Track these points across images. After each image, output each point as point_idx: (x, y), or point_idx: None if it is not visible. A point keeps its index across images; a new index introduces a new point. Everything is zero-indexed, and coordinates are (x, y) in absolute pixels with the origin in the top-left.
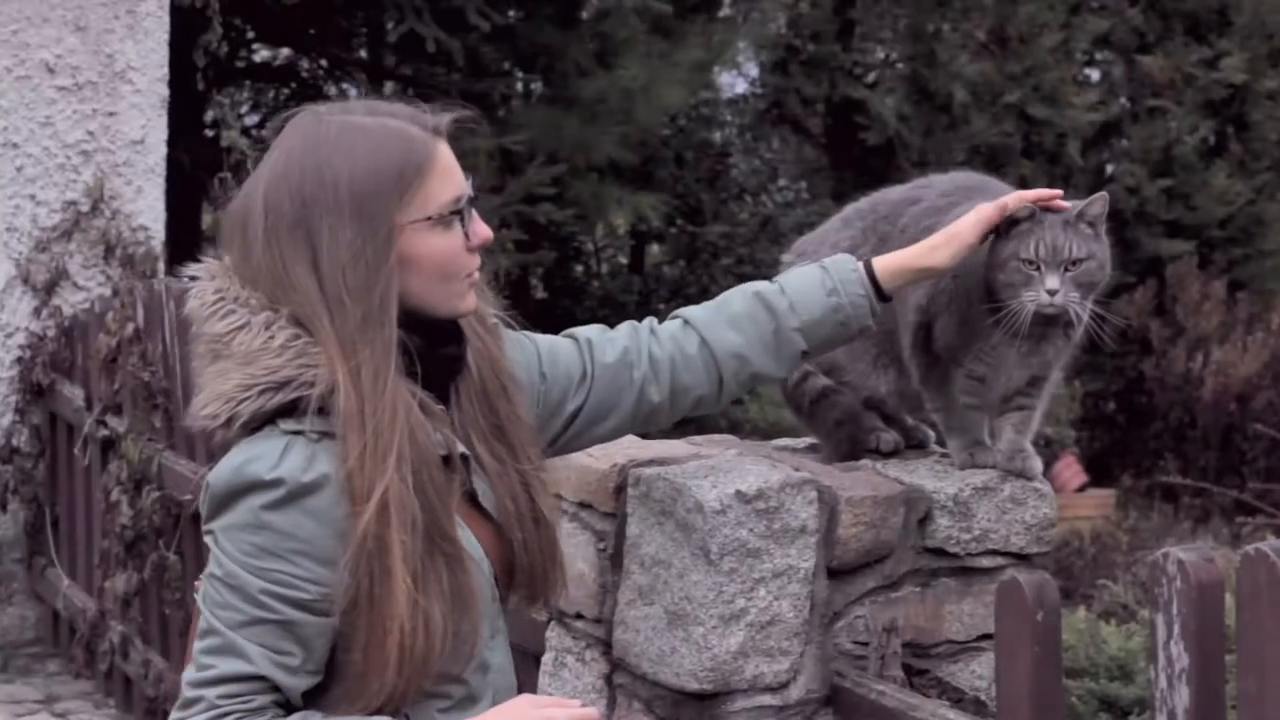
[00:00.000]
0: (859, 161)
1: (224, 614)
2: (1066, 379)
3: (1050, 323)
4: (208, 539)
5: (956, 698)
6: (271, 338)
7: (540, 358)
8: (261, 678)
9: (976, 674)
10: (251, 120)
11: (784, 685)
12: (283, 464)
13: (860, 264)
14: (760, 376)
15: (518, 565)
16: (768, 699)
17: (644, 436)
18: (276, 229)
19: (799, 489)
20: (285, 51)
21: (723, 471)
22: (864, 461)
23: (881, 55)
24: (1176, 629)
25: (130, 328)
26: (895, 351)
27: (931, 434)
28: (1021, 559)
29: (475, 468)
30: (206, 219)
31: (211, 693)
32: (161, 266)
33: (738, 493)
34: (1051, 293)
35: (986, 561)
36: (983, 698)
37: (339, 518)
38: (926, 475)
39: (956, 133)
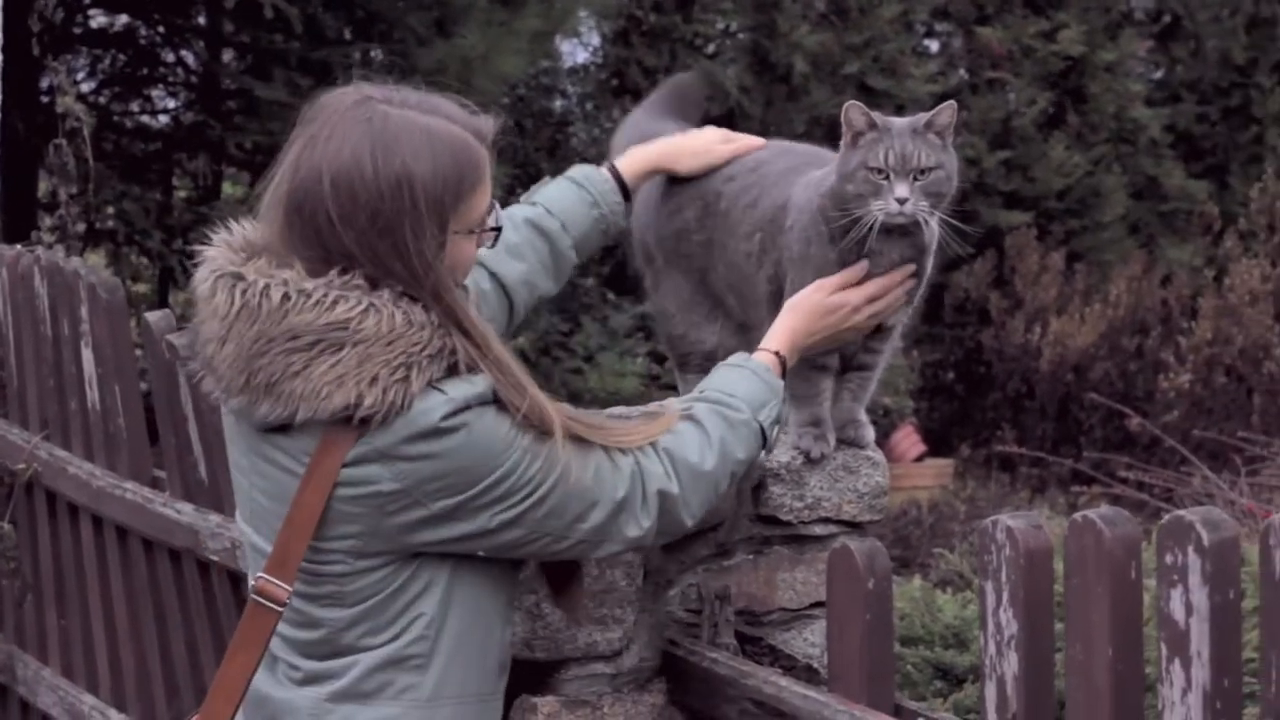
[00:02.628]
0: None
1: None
2: (905, 349)
3: (906, 243)
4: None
5: (789, 665)
6: (405, 314)
7: None
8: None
9: (809, 642)
10: (88, 87)
11: (617, 654)
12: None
13: (608, 172)
14: (543, 297)
15: None
16: (601, 667)
17: None
18: (353, 219)
19: None
20: (123, 18)
21: None
22: None
23: (722, 26)
24: (1005, 596)
25: None
26: (724, 306)
27: None
28: (854, 527)
29: None
30: (42, 186)
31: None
32: None
33: None
34: (901, 201)
35: (819, 529)
36: (815, 665)
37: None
38: None
39: (797, 104)
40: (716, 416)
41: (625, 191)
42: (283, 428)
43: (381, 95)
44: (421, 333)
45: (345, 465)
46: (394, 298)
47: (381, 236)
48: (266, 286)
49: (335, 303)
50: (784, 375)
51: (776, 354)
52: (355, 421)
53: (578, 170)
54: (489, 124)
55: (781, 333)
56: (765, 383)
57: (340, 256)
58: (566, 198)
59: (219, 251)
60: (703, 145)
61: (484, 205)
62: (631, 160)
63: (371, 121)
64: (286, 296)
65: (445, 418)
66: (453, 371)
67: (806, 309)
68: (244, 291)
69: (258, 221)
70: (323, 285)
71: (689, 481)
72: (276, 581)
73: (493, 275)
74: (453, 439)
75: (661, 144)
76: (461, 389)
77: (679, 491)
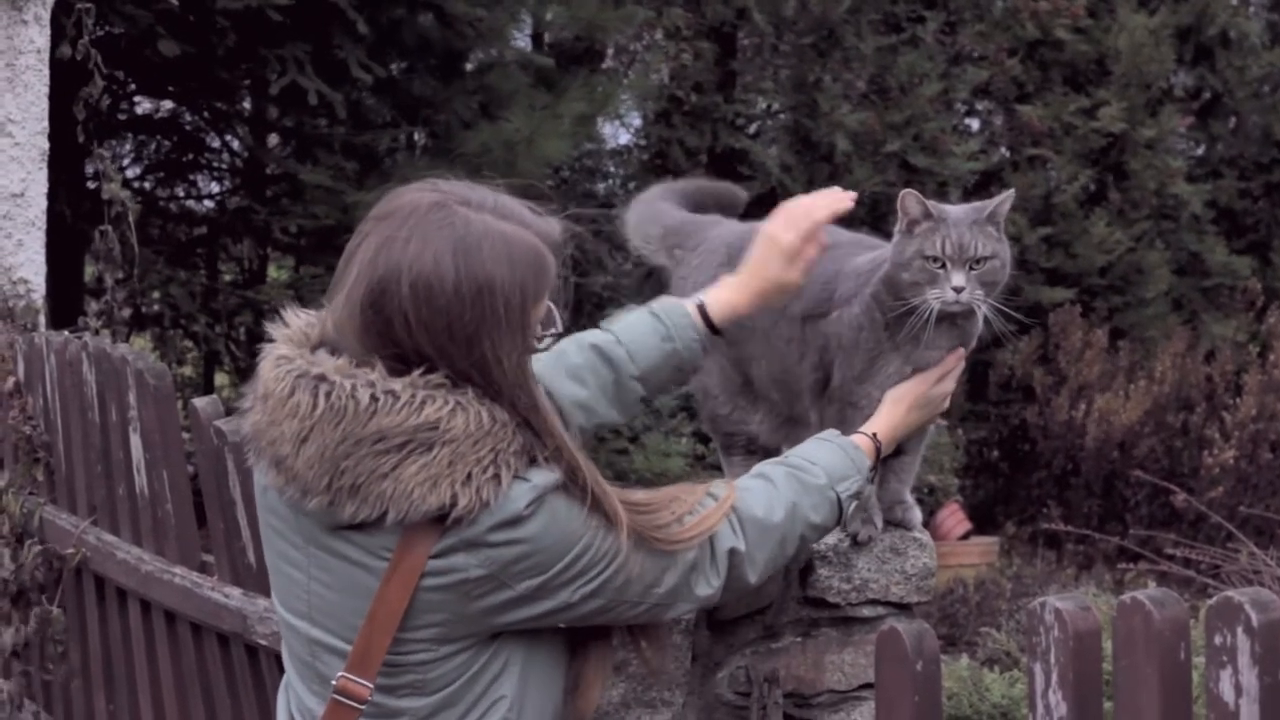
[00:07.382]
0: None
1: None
2: (950, 427)
3: (956, 332)
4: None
5: None
6: (490, 412)
7: None
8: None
9: None
10: (133, 172)
11: None
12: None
13: (693, 307)
14: (605, 424)
15: None
16: None
17: None
18: (430, 325)
19: None
20: (167, 104)
21: None
22: None
23: (763, 105)
24: (1054, 677)
25: (11, 381)
26: (769, 401)
27: None
28: (902, 608)
29: None
30: (88, 271)
31: None
32: (43, 320)
33: None
34: (958, 290)
35: (867, 611)
36: None
37: None
38: None
39: (839, 182)
40: (791, 478)
41: (712, 325)
42: (358, 524)
43: (459, 197)
44: (506, 429)
45: (431, 557)
46: (478, 395)
47: (459, 346)
48: (353, 388)
49: (423, 403)
50: (877, 459)
51: (873, 437)
52: (449, 521)
53: (659, 302)
54: (557, 229)
55: (884, 420)
56: (850, 458)
57: (417, 358)
58: (639, 328)
59: (288, 348)
60: (795, 281)
61: (543, 310)
62: (726, 294)
63: (453, 226)
64: (374, 398)
65: (529, 505)
66: (533, 462)
67: (910, 400)
68: (329, 393)
69: (328, 315)
70: (409, 385)
71: (755, 536)
72: (359, 680)
73: (546, 394)
74: (535, 522)
75: (759, 280)
76: (543, 476)
77: (745, 548)
